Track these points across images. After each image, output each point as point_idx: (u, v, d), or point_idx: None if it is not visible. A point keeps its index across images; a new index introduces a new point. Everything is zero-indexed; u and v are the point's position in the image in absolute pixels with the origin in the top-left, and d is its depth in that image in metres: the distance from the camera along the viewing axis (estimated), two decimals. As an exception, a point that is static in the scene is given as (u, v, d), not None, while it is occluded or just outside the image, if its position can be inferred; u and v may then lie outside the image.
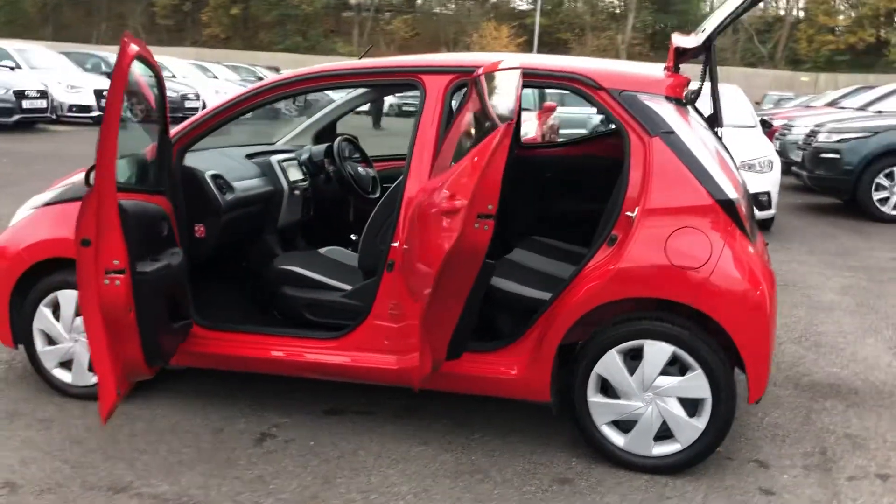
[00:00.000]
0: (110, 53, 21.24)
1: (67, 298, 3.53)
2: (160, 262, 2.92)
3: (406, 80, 3.37)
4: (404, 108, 24.70)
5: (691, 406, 3.00)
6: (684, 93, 3.24)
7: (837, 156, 9.54)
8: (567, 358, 3.15)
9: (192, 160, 3.58)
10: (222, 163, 3.83)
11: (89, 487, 2.89)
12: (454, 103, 3.40)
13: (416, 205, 3.02)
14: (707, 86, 3.49)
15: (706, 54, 3.37)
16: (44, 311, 3.57)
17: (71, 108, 15.91)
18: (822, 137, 9.93)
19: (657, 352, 2.96)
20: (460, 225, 2.41)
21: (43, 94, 14.46)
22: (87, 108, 16.29)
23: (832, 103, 15.47)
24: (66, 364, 3.62)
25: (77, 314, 3.53)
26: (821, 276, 6.52)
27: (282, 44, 55.52)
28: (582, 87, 3.13)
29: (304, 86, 3.46)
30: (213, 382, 3.76)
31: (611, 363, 3.02)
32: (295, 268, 3.67)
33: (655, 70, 3.26)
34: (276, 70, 31.51)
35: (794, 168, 10.84)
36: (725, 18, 3.08)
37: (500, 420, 3.50)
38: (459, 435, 3.37)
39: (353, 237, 4.17)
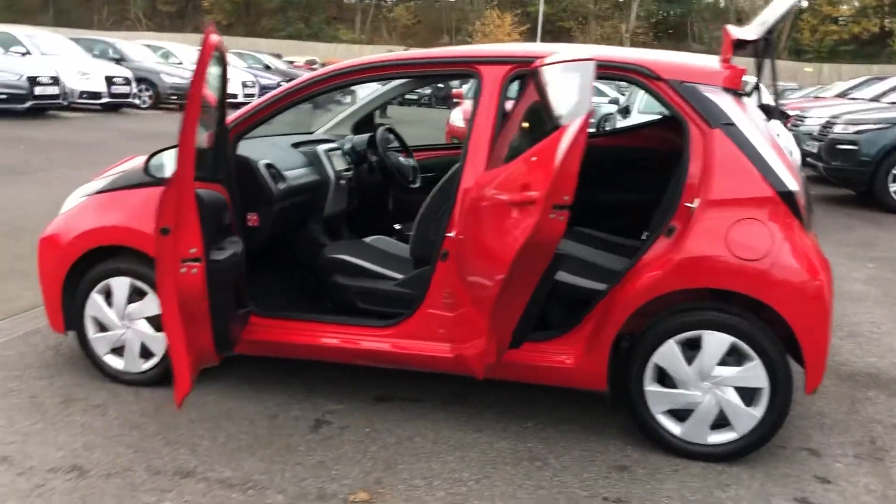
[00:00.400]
0: (117, 40, 21.20)
1: (120, 286, 3.56)
2: (228, 250, 2.95)
3: (462, 69, 3.39)
4: (407, 97, 24.66)
5: (749, 395, 3.04)
6: (742, 84, 3.26)
7: (855, 147, 9.57)
8: (619, 348, 3.19)
9: (242, 149, 3.60)
10: (272, 152, 3.85)
11: (155, 472, 2.92)
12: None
13: (473, 196, 3.04)
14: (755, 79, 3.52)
15: (763, 46, 3.39)
16: (96, 299, 3.59)
17: (82, 94, 15.87)
18: (838, 129, 9.95)
19: (716, 342, 2.99)
20: (537, 216, 2.44)
21: (55, 81, 14.43)
22: (97, 95, 16.26)
23: (843, 94, 15.48)
24: (118, 351, 3.65)
25: (129, 301, 3.57)
26: (845, 267, 6.55)
27: (284, 31, 55.42)
28: (641, 78, 3.15)
29: (358, 76, 3.47)
30: (262, 370, 3.79)
31: (669, 353, 3.05)
32: (346, 256, 3.70)
33: (712, 61, 3.27)
34: (278, 56, 31.45)
35: (808, 159, 10.86)
36: (786, 10, 3.10)
37: (550, 408, 3.54)
38: (512, 423, 3.41)
39: (396, 226, 4.20)
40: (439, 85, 25.27)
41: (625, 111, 12.27)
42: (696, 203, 3.00)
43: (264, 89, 21.33)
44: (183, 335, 2.67)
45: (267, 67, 25.89)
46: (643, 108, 11.06)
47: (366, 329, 3.43)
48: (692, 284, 3.00)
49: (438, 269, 3.28)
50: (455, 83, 19.94)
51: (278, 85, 23.10)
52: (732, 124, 3.01)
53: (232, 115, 3.48)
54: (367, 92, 5.00)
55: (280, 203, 3.65)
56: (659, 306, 3.07)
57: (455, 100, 17.65)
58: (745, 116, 3.07)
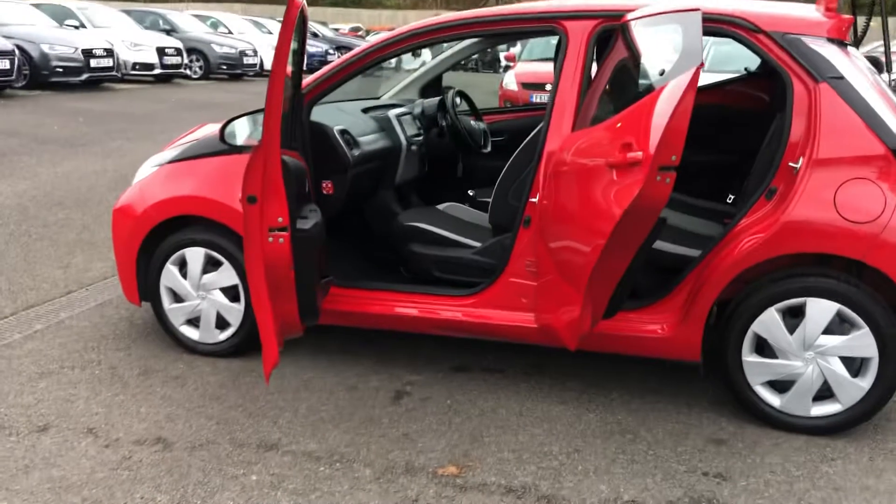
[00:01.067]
0: (168, 11, 21.26)
1: (194, 256, 3.52)
2: (311, 219, 2.87)
3: (545, 26, 3.23)
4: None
5: (855, 365, 2.87)
6: (848, 35, 3.05)
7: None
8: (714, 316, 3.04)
9: (315, 115, 3.50)
10: (345, 118, 3.75)
11: (239, 444, 2.88)
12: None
13: (560, 159, 2.90)
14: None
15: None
16: (171, 269, 3.56)
17: (135, 66, 15.96)
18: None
19: (821, 310, 2.82)
20: (642, 178, 2.29)
21: (109, 53, 14.52)
22: (150, 66, 16.35)
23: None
24: (193, 322, 3.62)
25: (204, 272, 3.52)
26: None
27: (328, -2, 55.08)
28: (739, 31, 2.96)
29: (436, 35, 3.33)
30: (335, 339, 3.73)
31: (769, 322, 2.90)
32: (422, 224, 3.59)
33: (814, 11, 3.06)
34: (324, 24, 31.29)
35: None
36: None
37: (635, 379, 3.41)
38: (597, 395, 3.30)
39: (470, 192, 4.08)
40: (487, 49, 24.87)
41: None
42: (800, 163, 2.82)
43: (311, 58, 21.25)
44: (270, 306, 2.60)
45: (314, 35, 25.78)
46: (708, 67, 10.67)
47: (446, 298, 3.33)
48: (797, 249, 2.82)
49: (520, 237, 3.16)
50: (502, 46, 19.56)
51: (326, 53, 23.06)
52: (840, 77, 2.81)
53: (305, 81, 3.38)
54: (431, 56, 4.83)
55: (354, 170, 3.55)
56: (758, 272, 2.91)
57: (507, 62, 17.35)
58: (854, 68, 2.87)
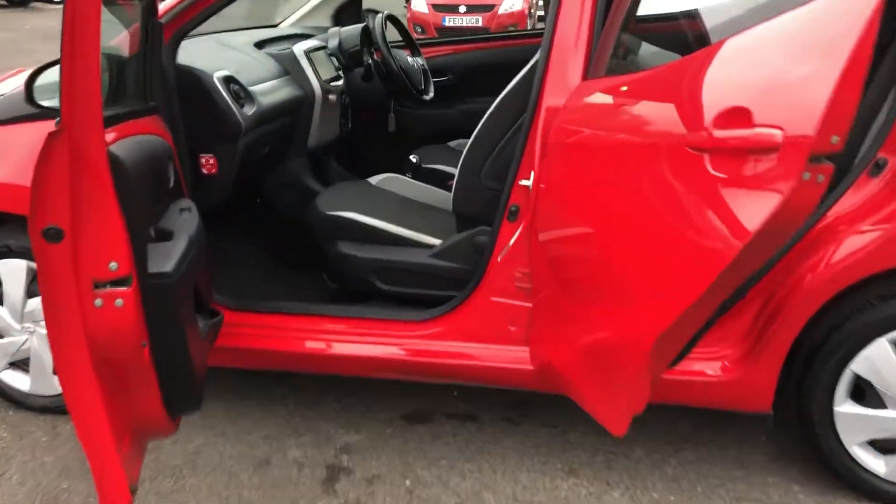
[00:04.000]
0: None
1: (12, 271, 2.33)
2: (179, 241, 1.71)
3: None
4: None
5: None
6: None
7: None
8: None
9: (186, 55, 2.32)
10: (229, 58, 2.58)
11: None
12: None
13: (572, 121, 1.86)
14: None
15: None
16: (-23, 292, 2.36)
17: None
18: None
19: (961, 343, 1.92)
20: (785, 175, 1.27)
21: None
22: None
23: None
24: (21, 364, 2.46)
25: (30, 294, 2.36)
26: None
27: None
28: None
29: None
30: (234, 381, 2.64)
31: (879, 358, 1.98)
32: (351, 214, 2.48)
33: None
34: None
35: None
36: None
37: (661, 423, 2.46)
38: (618, 454, 2.34)
39: (412, 158, 2.98)
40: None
41: None
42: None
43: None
44: (105, 412, 1.47)
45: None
46: None
47: (393, 325, 2.29)
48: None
49: (503, 234, 2.13)
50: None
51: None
52: None
53: (165, 3, 2.18)
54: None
55: (248, 136, 2.41)
56: (862, 287, 1.98)
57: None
58: None
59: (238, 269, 2.62)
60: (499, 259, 2.15)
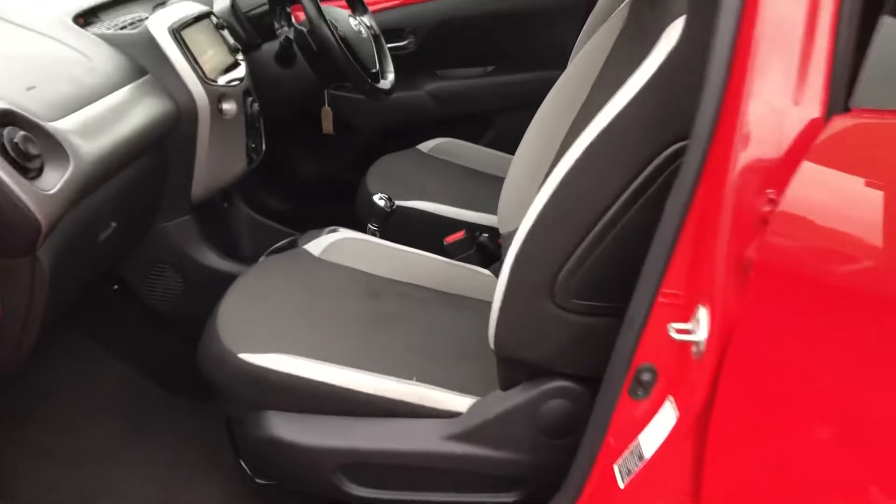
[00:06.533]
0: None
1: None
2: None
3: None
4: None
5: None
6: None
7: None
8: None
9: None
10: (3, 56, 1.28)
11: None
12: None
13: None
14: None
15: None
16: None
17: None
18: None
19: None
20: None
21: None
22: None
23: None
24: None
25: None
26: None
27: None
28: None
29: None
30: None
31: None
32: (288, 362, 1.25)
33: None
34: None
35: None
36: None
37: None
38: None
39: (377, 199, 1.75)
40: None
41: None
42: None
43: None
44: None
45: None
46: None
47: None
48: None
49: (619, 417, 1.00)
50: None
51: None
52: None
53: None
54: None
55: (58, 233, 1.16)
56: None
57: None
58: None
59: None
60: (614, 468, 1.02)
